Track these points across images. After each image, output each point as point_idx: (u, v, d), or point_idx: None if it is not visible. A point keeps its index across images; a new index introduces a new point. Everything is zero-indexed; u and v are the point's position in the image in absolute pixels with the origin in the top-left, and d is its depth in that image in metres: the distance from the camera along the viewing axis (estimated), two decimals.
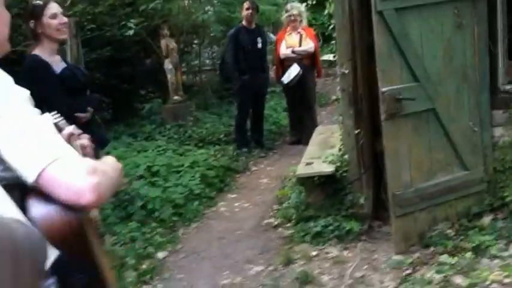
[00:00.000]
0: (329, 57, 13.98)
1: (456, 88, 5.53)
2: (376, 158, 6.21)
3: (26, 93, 1.75)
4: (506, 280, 4.70)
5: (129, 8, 10.95)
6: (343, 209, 6.12)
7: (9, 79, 1.73)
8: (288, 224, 6.53)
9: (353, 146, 6.03)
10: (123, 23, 10.53)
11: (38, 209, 1.59)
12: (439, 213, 5.68)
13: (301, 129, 10.08)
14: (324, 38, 13.15)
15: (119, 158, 7.44)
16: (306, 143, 7.77)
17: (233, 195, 8.11)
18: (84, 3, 10.31)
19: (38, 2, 4.92)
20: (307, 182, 6.32)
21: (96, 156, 5.65)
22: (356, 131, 5.98)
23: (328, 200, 6.23)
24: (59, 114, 2.16)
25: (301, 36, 9.93)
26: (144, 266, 5.80)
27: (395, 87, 5.25)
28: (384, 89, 5.22)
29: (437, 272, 4.95)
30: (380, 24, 5.16)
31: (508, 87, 5.75)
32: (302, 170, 6.40)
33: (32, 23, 4.88)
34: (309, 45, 9.94)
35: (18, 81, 1.79)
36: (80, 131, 2.25)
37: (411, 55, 5.30)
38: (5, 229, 1.42)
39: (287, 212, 6.73)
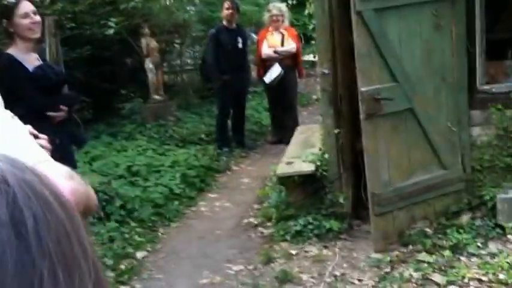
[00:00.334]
0: (310, 57, 14.02)
1: (434, 88, 5.63)
2: (356, 158, 6.25)
3: None
4: (484, 278, 4.83)
5: (109, 7, 10.77)
6: (323, 208, 6.18)
7: None
8: (268, 223, 6.57)
9: (333, 145, 6.11)
10: (103, 21, 10.39)
11: None
12: (418, 212, 5.78)
13: (282, 129, 10.08)
14: (306, 39, 13.18)
15: (98, 158, 7.37)
16: (288, 143, 7.81)
17: (214, 195, 8.10)
18: (63, 1, 10.16)
19: (10, 1, 4.94)
20: (288, 182, 6.36)
21: (72, 154, 5.60)
22: (336, 131, 6.06)
23: (308, 199, 6.29)
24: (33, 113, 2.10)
25: (283, 36, 9.96)
26: (122, 266, 5.78)
27: (374, 87, 5.34)
28: (363, 89, 5.30)
29: (416, 270, 5.06)
30: (359, 24, 5.25)
31: (486, 87, 5.86)
32: (282, 169, 6.45)
33: (4, 22, 4.89)
34: (291, 45, 9.98)
35: None
36: (36, 132, 2.08)
37: (390, 55, 5.39)
38: None
39: (267, 211, 6.78)
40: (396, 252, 5.46)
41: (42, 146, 2.02)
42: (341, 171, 6.16)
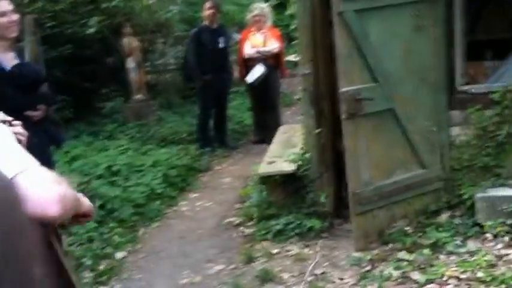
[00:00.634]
0: (293, 57, 14.06)
1: (414, 89, 5.70)
2: (337, 157, 6.31)
3: None
4: (463, 276, 4.89)
5: (90, 6, 10.86)
6: (305, 207, 6.23)
7: None
8: (250, 223, 6.61)
9: (314, 145, 6.17)
10: (84, 20, 10.45)
11: None
12: (398, 211, 5.85)
13: (265, 129, 10.11)
14: (289, 39, 13.20)
15: (78, 157, 7.33)
16: (270, 143, 7.85)
17: (195, 195, 8.12)
18: (44, 0, 10.23)
19: None
20: (269, 181, 6.41)
21: (50, 154, 5.59)
22: (317, 131, 6.12)
23: (289, 198, 6.32)
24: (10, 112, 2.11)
25: (265, 36, 10.00)
26: (101, 267, 5.81)
27: (355, 87, 5.40)
28: (344, 89, 5.37)
29: (396, 268, 5.12)
30: (340, 25, 5.31)
31: (465, 87, 5.93)
32: (264, 168, 6.51)
33: None
34: (273, 45, 10.00)
35: None
36: (11, 118, 2.05)
37: (371, 56, 5.45)
38: None
39: (249, 210, 6.82)
40: (376, 251, 5.52)
41: (17, 133, 1.99)
42: (322, 171, 6.20)
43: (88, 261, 5.81)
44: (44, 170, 1.60)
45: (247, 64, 10.11)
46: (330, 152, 6.34)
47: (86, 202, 1.87)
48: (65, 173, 7.14)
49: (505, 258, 5.13)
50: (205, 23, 10.08)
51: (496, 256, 5.17)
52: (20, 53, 5.34)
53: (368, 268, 5.28)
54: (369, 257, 5.43)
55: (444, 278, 4.90)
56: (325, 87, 6.18)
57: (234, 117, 11.80)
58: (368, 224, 5.73)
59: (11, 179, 1.51)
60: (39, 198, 1.51)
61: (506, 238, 5.41)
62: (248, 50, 10.02)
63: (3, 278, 1.36)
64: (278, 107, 10.70)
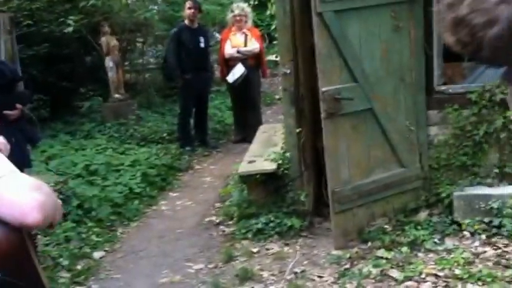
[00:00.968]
0: (273, 57, 14.12)
1: (393, 89, 5.80)
2: (317, 156, 6.39)
3: None
4: (440, 273, 5.00)
5: (68, 4, 10.82)
6: (285, 206, 6.29)
7: None
8: (230, 222, 6.66)
9: (294, 144, 6.23)
10: (61, 19, 10.39)
11: None
12: (377, 209, 5.95)
13: (245, 128, 10.19)
14: (270, 39, 13.22)
15: (55, 157, 7.31)
16: (251, 142, 7.86)
17: (175, 194, 8.15)
18: None
19: None
20: (249, 180, 6.45)
21: (27, 153, 5.57)
22: (297, 130, 6.18)
23: (269, 197, 6.37)
24: None
25: (246, 36, 10.04)
26: (79, 267, 5.81)
27: (334, 87, 5.49)
28: (323, 89, 5.45)
29: (375, 266, 5.21)
30: (320, 25, 5.39)
31: (443, 88, 6.04)
32: (244, 167, 6.53)
33: None
34: (254, 45, 10.07)
35: None
36: None
37: (350, 56, 5.55)
38: None
39: (229, 209, 6.86)
40: (356, 249, 5.60)
41: None
42: (302, 170, 6.25)
43: (65, 261, 5.80)
44: (23, 177, 1.60)
45: (228, 64, 10.14)
46: (310, 151, 6.40)
47: (60, 206, 1.78)
48: (41, 172, 7.31)
49: (482, 256, 5.25)
50: (186, 22, 10.10)
51: (473, 254, 5.29)
52: None
53: (347, 266, 5.36)
54: (348, 255, 5.51)
55: (422, 276, 5.00)
56: (305, 87, 6.25)
57: (214, 116, 11.82)
58: (347, 223, 5.80)
59: None
60: (18, 205, 1.50)
61: (483, 236, 5.54)
62: (229, 49, 10.06)
63: None
64: (259, 106, 10.77)
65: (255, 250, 5.91)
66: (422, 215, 5.94)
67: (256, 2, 12.41)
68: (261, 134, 8.04)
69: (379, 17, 5.64)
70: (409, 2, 5.67)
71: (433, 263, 5.22)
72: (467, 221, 5.66)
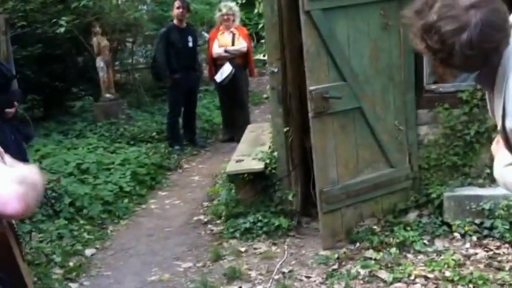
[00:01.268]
0: (261, 56, 14.03)
1: (382, 88, 5.60)
2: (305, 155, 6.23)
3: None
4: (430, 275, 4.80)
5: (60, 5, 10.71)
6: (272, 205, 6.13)
7: None
8: (218, 221, 6.53)
9: (282, 143, 6.05)
10: (54, 20, 10.28)
11: None
12: (366, 210, 5.75)
13: (234, 127, 10.08)
14: (258, 38, 13.16)
15: (48, 156, 7.37)
16: (239, 141, 7.73)
17: (164, 193, 8.04)
18: (15, 0, 10.09)
19: None
20: (237, 179, 6.30)
21: (25, 149, 5.62)
22: (285, 129, 6.00)
23: (257, 196, 6.22)
24: None
25: (234, 35, 9.91)
26: (71, 264, 5.70)
27: (322, 86, 5.29)
28: (311, 88, 5.25)
29: (363, 266, 5.02)
30: (308, 24, 5.19)
31: (433, 86, 5.83)
32: (232, 167, 6.38)
33: None
34: (241, 44, 9.92)
35: None
36: None
37: (338, 55, 5.34)
38: None
39: (217, 208, 6.73)
40: (344, 250, 5.42)
41: None
42: (290, 169, 6.10)
43: (58, 258, 5.69)
44: (5, 169, 1.66)
45: (216, 63, 10.03)
46: (298, 150, 6.26)
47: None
48: None
49: (473, 258, 5.07)
50: (174, 22, 9.95)
51: (464, 255, 5.11)
52: None
53: (335, 267, 5.19)
54: (336, 256, 5.34)
55: (411, 277, 4.83)
56: (293, 85, 6.09)
57: (203, 115, 11.74)
58: (335, 223, 5.62)
59: None
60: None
61: (474, 238, 5.35)
62: (216, 49, 9.93)
63: None
64: (247, 105, 10.64)
65: (242, 249, 5.77)
66: (412, 215, 5.72)
67: (244, 1, 12.31)
68: (249, 133, 7.88)
69: (368, 15, 5.41)
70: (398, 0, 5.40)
71: (422, 264, 5.03)
72: (457, 222, 5.45)
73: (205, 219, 6.74)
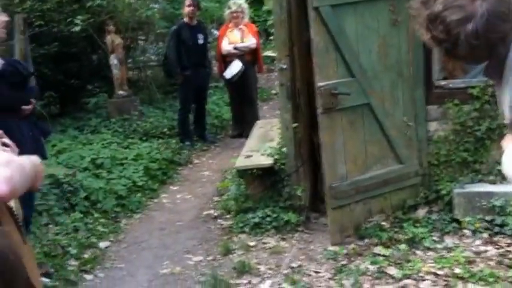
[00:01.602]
0: (270, 53, 13.92)
1: (391, 83, 5.41)
2: (313, 151, 6.07)
3: None
4: (440, 272, 4.60)
5: (76, 5, 10.62)
6: (281, 200, 5.98)
7: None
8: (228, 216, 6.41)
9: (291, 139, 5.89)
10: (70, 19, 10.23)
11: None
12: (374, 206, 5.57)
13: (243, 123, 9.96)
14: (267, 34, 13.06)
15: (64, 151, 7.40)
16: (248, 137, 7.65)
17: (175, 187, 7.94)
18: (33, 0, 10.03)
19: None
20: (246, 175, 6.15)
21: (43, 145, 5.66)
22: (294, 125, 5.84)
23: (266, 191, 6.08)
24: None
25: (243, 32, 9.79)
26: (86, 256, 5.63)
27: (331, 82, 5.13)
28: (320, 84, 5.09)
29: (372, 263, 4.85)
30: (316, 20, 5.03)
31: (442, 82, 5.62)
32: (241, 162, 6.25)
33: None
34: (250, 41, 9.79)
35: None
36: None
37: (347, 51, 5.17)
38: None
39: (227, 203, 6.61)
40: (352, 245, 5.25)
41: (7, 144, 2.06)
42: (299, 165, 5.94)
43: (73, 250, 5.65)
44: None
45: (225, 60, 9.90)
46: (307, 146, 6.10)
47: (40, 175, 1.89)
48: (51, 165, 7.23)
49: (483, 255, 4.85)
50: (185, 20, 9.82)
51: (474, 252, 4.89)
52: (10, 51, 5.40)
53: (344, 262, 5.02)
54: (344, 251, 5.17)
55: (421, 274, 4.62)
56: (302, 82, 5.92)
57: (213, 111, 11.63)
58: (344, 218, 5.44)
59: None
60: None
61: (485, 234, 5.13)
62: (226, 46, 9.81)
63: None
64: (256, 101, 10.51)
65: (252, 244, 5.61)
66: (421, 212, 5.51)
67: None
68: (258, 129, 7.74)
69: (376, 11, 5.22)
70: None
71: (432, 261, 4.80)
72: (467, 219, 5.23)
73: (215, 214, 6.62)
